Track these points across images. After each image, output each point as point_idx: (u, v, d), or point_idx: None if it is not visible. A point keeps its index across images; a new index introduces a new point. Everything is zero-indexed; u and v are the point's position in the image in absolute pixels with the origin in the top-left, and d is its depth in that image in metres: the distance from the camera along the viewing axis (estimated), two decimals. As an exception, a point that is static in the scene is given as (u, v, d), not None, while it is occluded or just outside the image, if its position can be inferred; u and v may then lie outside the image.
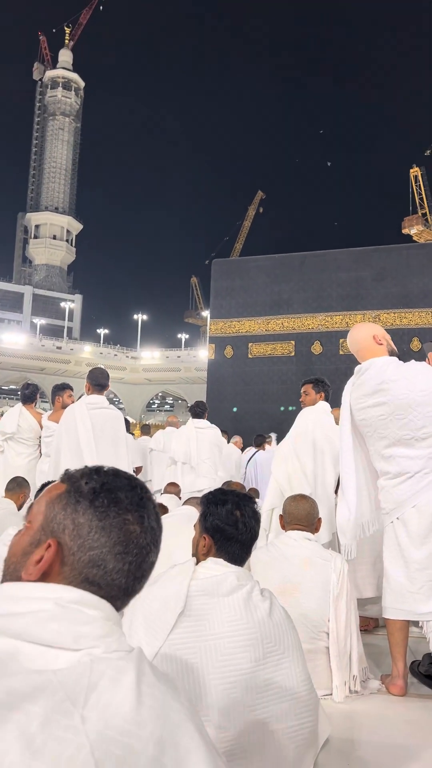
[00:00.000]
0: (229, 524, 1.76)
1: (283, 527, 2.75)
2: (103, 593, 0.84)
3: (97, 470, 0.92)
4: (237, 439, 9.69)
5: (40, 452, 5.55)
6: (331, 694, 2.45)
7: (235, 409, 15.00)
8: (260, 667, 1.53)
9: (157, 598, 1.66)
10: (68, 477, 0.92)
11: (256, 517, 1.82)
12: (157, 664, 1.51)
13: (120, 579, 0.85)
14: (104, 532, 0.85)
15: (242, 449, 9.45)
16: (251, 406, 14.80)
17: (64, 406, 4.93)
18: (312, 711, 1.61)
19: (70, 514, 0.86)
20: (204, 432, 6.04)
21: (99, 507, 0.87)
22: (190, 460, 5.88)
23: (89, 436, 4.20)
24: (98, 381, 4.46)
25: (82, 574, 0.83)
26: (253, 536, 1.80)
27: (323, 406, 4.14)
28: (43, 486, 2.86)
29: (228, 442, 8.84)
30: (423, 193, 58.48)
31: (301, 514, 2.70)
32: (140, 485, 0.93)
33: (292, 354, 14.76)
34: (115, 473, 0.92)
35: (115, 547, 0.85)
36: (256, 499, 5.70)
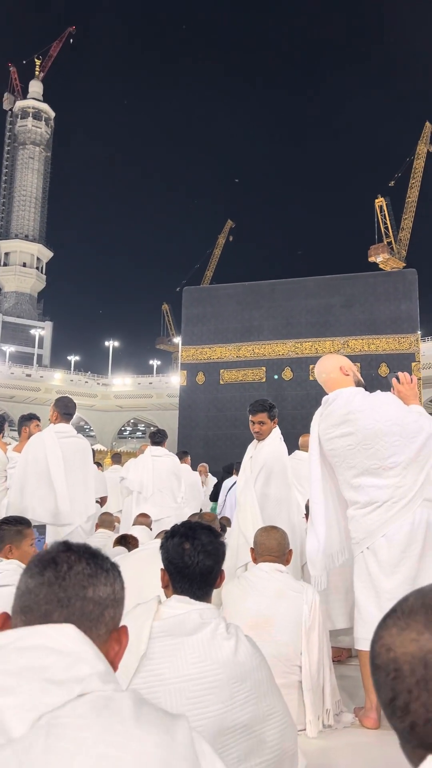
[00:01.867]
0: (176, 558, 1.71)
1: (254, 560, 2.73)
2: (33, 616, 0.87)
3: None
4: (203, 466, 9.61)
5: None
6: (305, 730, 2.42)
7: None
8: (227, 709, 1.48)
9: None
10: None
11: (207, 549, 1.72)
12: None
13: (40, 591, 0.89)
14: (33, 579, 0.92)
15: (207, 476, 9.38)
16: (223, 432, 14.78)
17: (31, 437, 4.82)
18: (276, 750, 1.56)
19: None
20: (160, 460, 5.93)
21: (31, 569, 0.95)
22: (144, 489, 5.76)
23: (60, 465, 4.12)
24: (68, 410, 4.40)
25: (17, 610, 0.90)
26: (203, 570, 1.70)
27: (278, 433, 4.09)
28: (3, 521, 2.71)
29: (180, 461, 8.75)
30: (388, 222, 60.03)
31: (273, 545, 2.68)
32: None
33: (263, 380, 14.85)
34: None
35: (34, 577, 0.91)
36: (229, 528, 5.61)
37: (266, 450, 3.98)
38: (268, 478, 3.89)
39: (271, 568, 2.60)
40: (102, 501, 6.47)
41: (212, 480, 9.40)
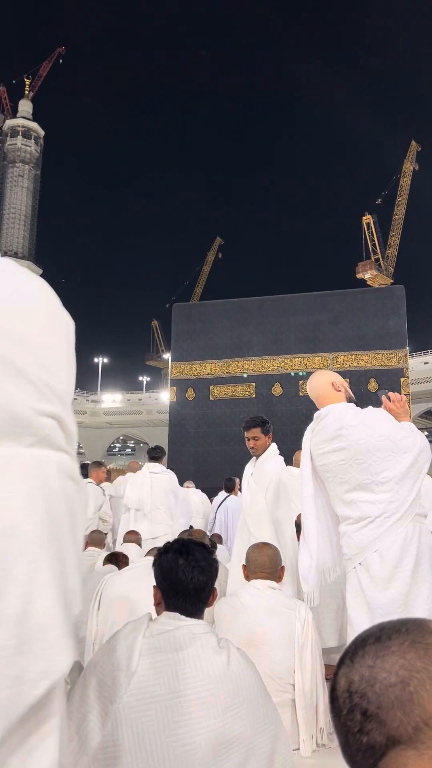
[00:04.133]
0: (170, 573, 1.70)
1: (247, 577, 2.71)
2: None
3: None
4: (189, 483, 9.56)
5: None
6: (299, 749, 2.38)
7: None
8: (222, 723, 1.46)
9: (108, 660, 1.58)
10: None
11: (201, 566, 1.72)
12: (111, 729, 1.44)
13: None
14: None
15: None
16: (213, 448, 14.75)
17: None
18: (271, 759, 1.54)
19: None
20: (158, 477, 5.87)
21: None
22: (143, 506, 5.69)
23: None
24: None
25: None
26: (197, 586, 1.70)
27: (275, 449, 4.12)
28: None
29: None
30: (375, 239, 60.73)
31: (265, 561, 2.67)
32: None
33: (253, 396, 14.86)
34: None
35: None
36: (219, 545, 5.54)
37: (270, 466, 4.01)
38: (276, 495, 3.89)
39: (264, 585, 2.58)
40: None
41: (199, 496, 9.31)
